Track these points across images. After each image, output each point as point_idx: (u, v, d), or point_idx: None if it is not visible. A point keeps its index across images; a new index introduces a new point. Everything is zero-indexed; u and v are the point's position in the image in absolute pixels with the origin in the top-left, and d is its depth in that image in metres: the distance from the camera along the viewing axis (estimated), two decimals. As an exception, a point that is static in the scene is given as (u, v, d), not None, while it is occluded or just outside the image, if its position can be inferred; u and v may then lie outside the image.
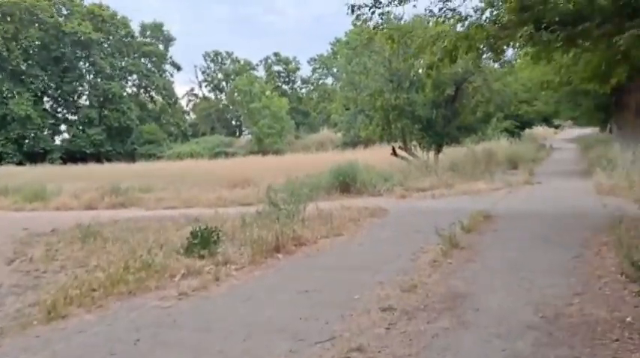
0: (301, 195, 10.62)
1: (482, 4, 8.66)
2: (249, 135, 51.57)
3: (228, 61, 67.43)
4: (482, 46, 8.37)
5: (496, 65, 23.28)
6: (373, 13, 9.35)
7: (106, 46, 55.91)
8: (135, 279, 5.87)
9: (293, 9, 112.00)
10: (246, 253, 7.26)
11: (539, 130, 44.90)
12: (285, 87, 65.69)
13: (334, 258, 7.23)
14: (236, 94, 48.89)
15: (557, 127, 49.53)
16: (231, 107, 58.19)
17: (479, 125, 23.56)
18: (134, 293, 5.57)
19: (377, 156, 25.26)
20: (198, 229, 7.55)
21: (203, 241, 7.43)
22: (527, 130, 39.82)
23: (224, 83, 65.76)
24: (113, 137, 53.19)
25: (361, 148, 38.81)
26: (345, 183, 15.75)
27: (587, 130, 45.54)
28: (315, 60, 62.10)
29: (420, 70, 22.92)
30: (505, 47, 8.81)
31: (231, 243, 8.03)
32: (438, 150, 22.20)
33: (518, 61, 21.34)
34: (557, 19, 6.99)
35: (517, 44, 8.42)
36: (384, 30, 9.32)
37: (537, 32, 7.09)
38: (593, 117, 19.29)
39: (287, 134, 49.01)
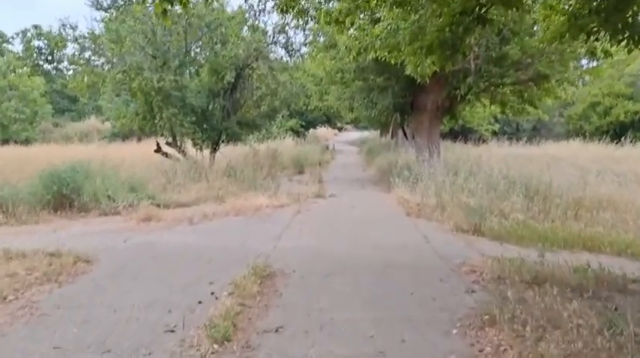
0: None
1: None
2: (-8, 121, 39.83)
3: (-28, 30, 52.65)
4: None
5: (284, 58, 19.56)
6: None
7: None
8: None
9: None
10: None
11: (323, 131, 43.38)
12: (48, 66, 53.67)
13: None
14: (-34, 69, 37.03)
15: (340, 129, 48.79)
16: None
17: (263, 121, 19.30)
18: None
19: (147, 152, 19.49)
20: None
21: None
22: (311, 130, 37.59)
23: (-35, 55, 50.82)
24: None
25: (134, 141, 32.45)
26: (64, 196, 9.92)
27: (365, 133, 45.58)
28: (85, 38, 51.60)
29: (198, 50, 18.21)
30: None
31: None
32: (215, 149, 17.43)
33: (312, 51, 17.80)
34: None
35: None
36: None
37: None
38: (388, 119, 16.63)
39: (41, 121, 38.93)
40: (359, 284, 5.13)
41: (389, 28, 7.51)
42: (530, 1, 6.75)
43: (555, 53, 11.09)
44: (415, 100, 14.05)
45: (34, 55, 52.81)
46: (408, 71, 7.80)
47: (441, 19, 5.53)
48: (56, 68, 54.64)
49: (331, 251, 6.62)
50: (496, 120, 30.33)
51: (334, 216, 9.50)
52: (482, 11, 5.55)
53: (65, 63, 54.15)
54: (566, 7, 6.27)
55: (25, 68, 43.25)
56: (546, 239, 7.91)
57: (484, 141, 23.04)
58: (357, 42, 7.94)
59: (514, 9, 5.89)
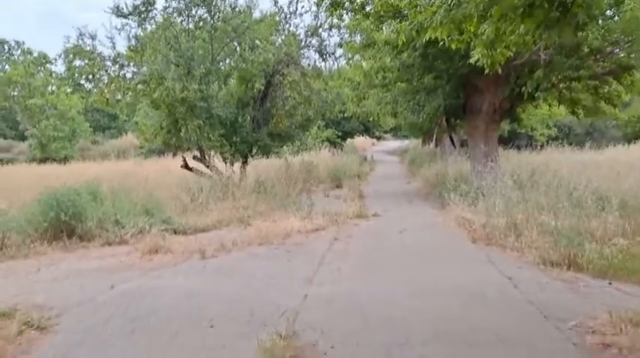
0: None
1: None
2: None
3: (18, 52, 53.39)
4: None
5: (318, 62, 17.70)
6: None
7: None
8: None
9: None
10: None
11: (360, 140, 41.36)
12: (89, 85, 53.91)
13: None
14: (8, 89, 37.00)
15: (378, 139, 46.49)
16: (7, 104, 44.72)
17: (296, 132, 17.47)
18: None
19: (178, 168, 17.99)
20: None
21: None
22: (348, 140, 35.61)
23: (10, 76, 51.46)
24: None
25: (170, 156, 31.32)
26: (63, 223, 8.36)
27: (406, 142, 43.28)
28: (122, 55, 51.53)
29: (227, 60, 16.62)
30: None
31: None
32: (245, 162, 15.80)
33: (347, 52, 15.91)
34: None
35: None
36: None
37: None
38: (431, 125, 14.57)
39: (79, 138, 38.53)
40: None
41: (449, 1, 5.60)
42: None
43: (647, 36, 8.88)
44: (468, 102, 11.99)
45: (76, 74, 53.23)
46: (475, 58, 5.81)
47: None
48: (97, 86, 54.87)
49: (383, 305, 4.69)
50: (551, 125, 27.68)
51: (381, 245, 7.55)
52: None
53: (106, 80, 54.38)
54: None
55: (66, 87, 43.19)
56: (669, 274, 5.81)
57: (541, 147, 20.50)
58: (408, 23, 6.02)
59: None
